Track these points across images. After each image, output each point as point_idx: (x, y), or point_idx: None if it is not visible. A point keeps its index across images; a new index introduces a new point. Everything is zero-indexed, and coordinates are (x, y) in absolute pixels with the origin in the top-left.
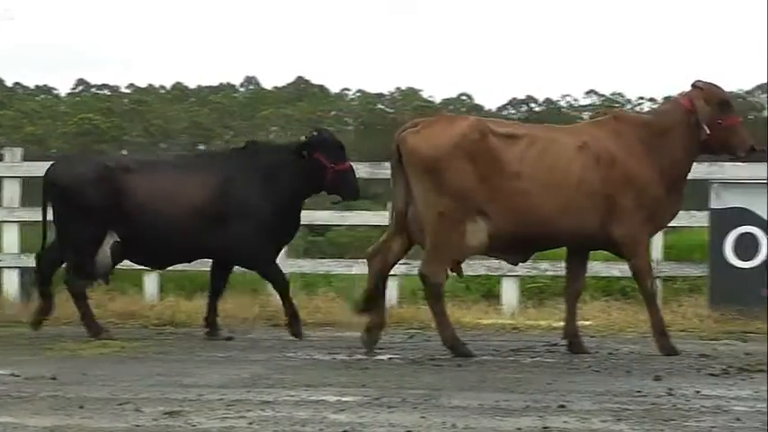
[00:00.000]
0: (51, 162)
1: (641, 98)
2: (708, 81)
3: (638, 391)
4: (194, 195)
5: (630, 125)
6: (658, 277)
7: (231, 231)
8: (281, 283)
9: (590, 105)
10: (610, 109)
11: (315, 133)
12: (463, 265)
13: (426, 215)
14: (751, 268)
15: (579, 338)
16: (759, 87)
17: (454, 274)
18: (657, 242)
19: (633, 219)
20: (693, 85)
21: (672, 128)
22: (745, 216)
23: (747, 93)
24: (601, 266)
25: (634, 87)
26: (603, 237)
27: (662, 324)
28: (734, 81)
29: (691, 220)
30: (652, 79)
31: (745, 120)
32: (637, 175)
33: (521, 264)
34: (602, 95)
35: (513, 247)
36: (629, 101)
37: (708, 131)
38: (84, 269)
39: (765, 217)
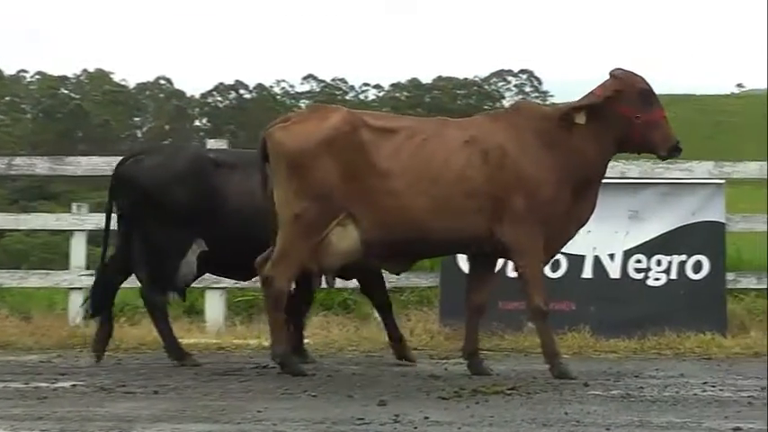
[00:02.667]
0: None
1: (366, 84)
2: (627, 70)
3: (361, 419)
4: None
5: (532, 119)
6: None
7: None
8: None
9: (308, 92)
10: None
11: None
12: None
13: (282, 215)
14: None
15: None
16: (495, 74)
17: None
18: None
19: (524, 223)
20: (610, 74)
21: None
22: None
23: (483, 80)
24: None
25: (358, 72)
26: (492, 241)
27: (554, 345)
28: (470, 68)
29: None
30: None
31: (480, 109)
32: (529, 174)
33: (231, 276)
34: (323, 81)
35: (389, 254)
36: (352, 87)
37: (583, 120)
38: (166, 282)
39: None
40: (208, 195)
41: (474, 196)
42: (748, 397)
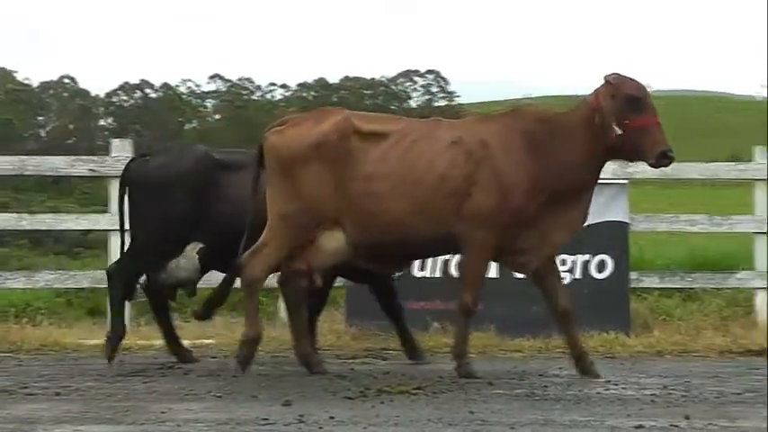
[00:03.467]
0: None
1: (273, 84)
2: (622, 75)
3: (266, 419)
4: None
5: (524, 121)
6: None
7: None
8: None
9: (214, 92)
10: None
11: None
12: (67, 279)
13: (270, 213)
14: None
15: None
16: (402, 74)
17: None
18: None
19: (485, 223)
20: (604, 79)
21: (573, 128)
22: None
23: (390, 80)
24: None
25: (265, 72)
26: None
27: (465, 346)
28: (378, 68)
29: None
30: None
31: (386, 110)
32: (505, 177)
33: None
34: (229, 81)
35: (375, 256)
36: (258, 87)
37: (618, 131)
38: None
39: None
40: (211, 194)
41: (456, 196)
42: (651, 395)
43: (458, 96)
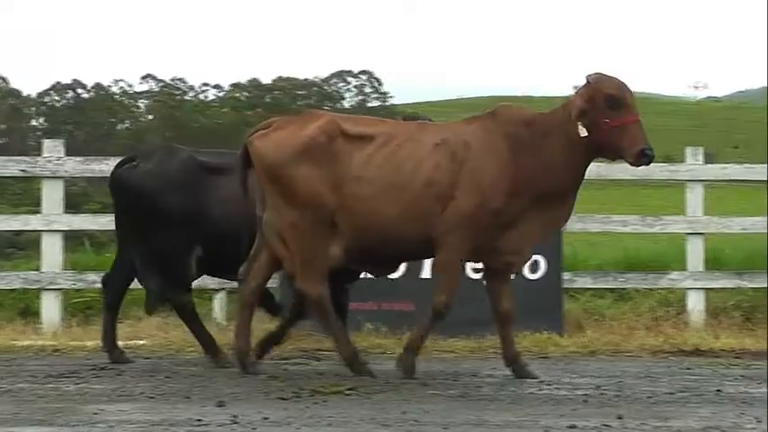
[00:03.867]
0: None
1: (206, 84)
2: (601, 74)
3: (199, 420)
4: None
5: (506, 122)
6: (224, 289)
7: None
8: None
9: (147, 92)
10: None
11: None
12: None
13: (281, 226)
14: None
15: (520, 362)
16: (335, 75)
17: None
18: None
19: (462, 224)
20: (585, 78)
21: (553, 130)
22: None
23: (323, 81)
24: None
25: (198, 72)
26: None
27: (420, 345)
28: (311, 68)
29: None
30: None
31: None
32: (485, 179)
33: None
34: (161, 81)
35: (366, 259)
36: (191, 87)
37: (584, 132)
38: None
39: None
40: (201, 199)
41: (442, 198)
42: (584, 395)
43: (391, 97)
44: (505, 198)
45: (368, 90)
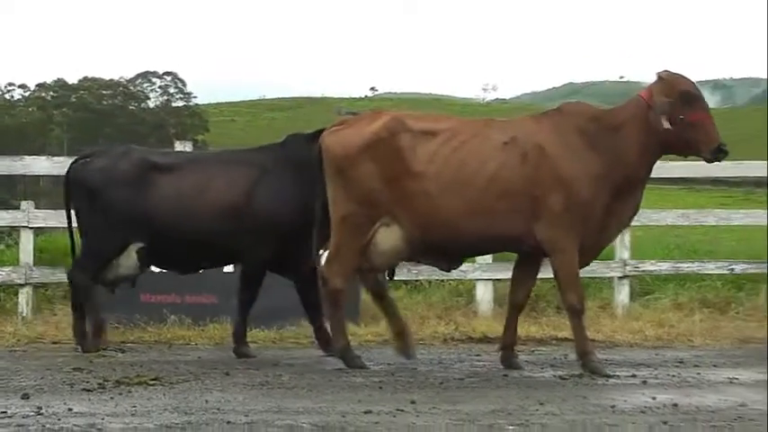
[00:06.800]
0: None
1: (11, 84)
2: (673, 71)
3: (3, 412)
4: None
5: (575, 119)
6: (29, 284)
7: None
8: None
9: None
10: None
11: None
12: None
13: (332, 216)
14: None
15: (513, 353)
16: (140, 76)
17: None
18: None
19: (561, 221)
20: (657, 76)
21: (625, 123)
22: None
23: (129, 81)
24: None
25: (3, 72)
26: (531, 240)
27: (586, 342)
28: (116, 69)
29: None
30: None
31: (125, 109)
32: (568, 174)
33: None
34: None
35: (432, 252)
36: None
37: (667, 125)
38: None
39: None
40: (147, 195)
41: (509, 196)
42: (379, 382)
43: (195, 97)
44: (593, 188)
45: (172, 90)
